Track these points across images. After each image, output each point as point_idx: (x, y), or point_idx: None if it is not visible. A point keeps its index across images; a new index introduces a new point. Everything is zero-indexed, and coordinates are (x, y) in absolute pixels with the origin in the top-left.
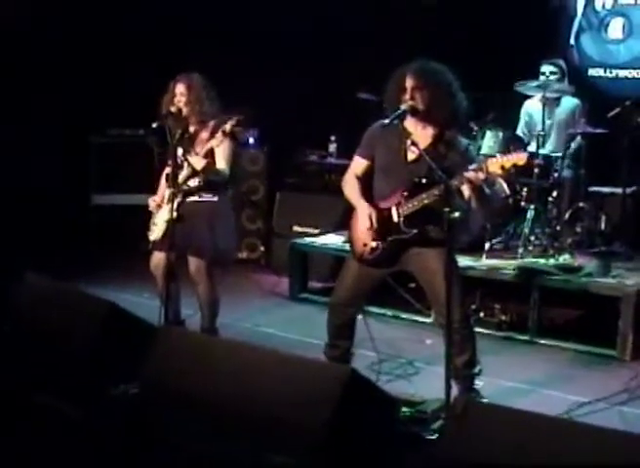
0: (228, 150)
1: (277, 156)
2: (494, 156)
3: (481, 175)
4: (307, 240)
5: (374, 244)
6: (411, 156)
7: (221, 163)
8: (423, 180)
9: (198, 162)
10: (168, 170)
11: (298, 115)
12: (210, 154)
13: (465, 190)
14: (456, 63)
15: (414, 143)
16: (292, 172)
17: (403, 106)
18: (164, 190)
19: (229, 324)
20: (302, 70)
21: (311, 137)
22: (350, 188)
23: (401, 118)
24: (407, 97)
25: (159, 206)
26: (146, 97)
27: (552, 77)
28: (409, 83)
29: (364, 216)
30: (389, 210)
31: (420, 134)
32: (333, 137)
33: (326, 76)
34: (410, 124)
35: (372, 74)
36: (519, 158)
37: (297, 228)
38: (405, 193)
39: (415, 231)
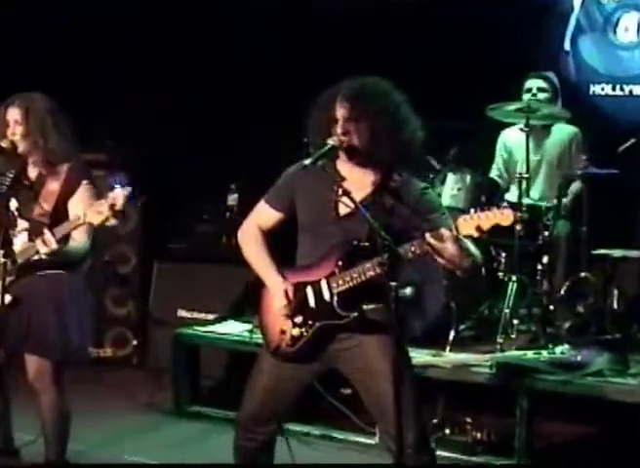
0: None
1: (155, 212)
2: (462, 211)
3: (448, 241)
4: (199, 329)
5: (295, 331)
6: (344, 209)
7: (81, 233)
8: (365, 243)
9: (49, 244)
10: None
11: (185, 154)
12: (64, 217)
13: (411, 254)
14: (404, 84)
15: (346, 193)
16: (176, 233)
17: (331, 141)
18: None
19: (86, 452)
20: (191, 94)
21: (204, 185)
22: (254, 248)
23: (331, 158)
24: (338, 130)
25: None
26: None
27: (542, 95)
28: (340, 112)
29: (278, 293)
30: (318, 283)
31: (357, 179)
32: (233, 186)
33: (225, 102)
34: (343, 166)
35: (289, 100)
36: (504, 217)
37: (183, 313)
38: (340, 262)
39: (355, 314)
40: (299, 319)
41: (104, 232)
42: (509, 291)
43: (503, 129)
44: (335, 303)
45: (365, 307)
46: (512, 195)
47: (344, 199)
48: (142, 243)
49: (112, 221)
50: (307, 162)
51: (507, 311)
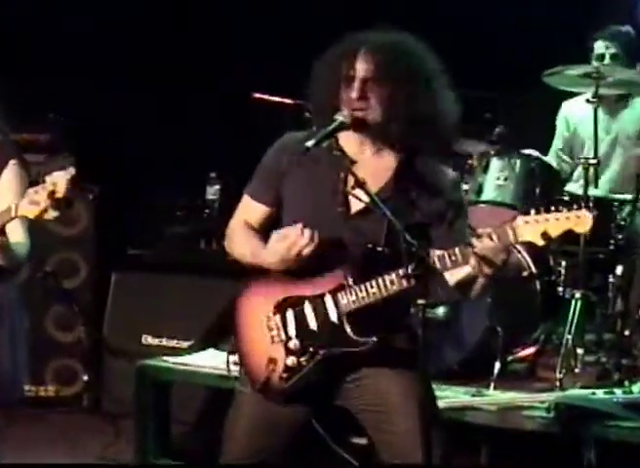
0: None
1: (114, 208)
2: (512, 207)
3: (500, 251)
4: (170, 360)
5: (290, 361)
6: (357, 204)
7: (19, 233)
8: (383, 249)
9: None
10: None
11: (152, 134)
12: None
13: (459, 271)
14: (437, 43)
15: (359, 184)
16: (140, 236)
17: (340, 117)
18: None
19: None
20: (160, 65)
21: (177, 174)
22: (241, 237)
23: (335, 135)
24: (354, 94)
25: None
26: None
27: (615, 62)
28: (362, 67)
29: (287, 236)
30: (320, 299)
31: (370, 163)
32: (214, 174)
33: (201, 75)
34: (351, 144)
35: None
36: (580, 221)
37: (149, 339)
38: (351, 273)
39: (373, 339)
40: (294, 344)
41: (45, 233)
42: (572, 311)
43: (565, 100)
44: (346, 326)
45: (386, 329)
46: (576, 185)
47: (357, 191)
48: (95, 248)
49: (53, 214)
50: (310, 143)
51: (570, 337)
